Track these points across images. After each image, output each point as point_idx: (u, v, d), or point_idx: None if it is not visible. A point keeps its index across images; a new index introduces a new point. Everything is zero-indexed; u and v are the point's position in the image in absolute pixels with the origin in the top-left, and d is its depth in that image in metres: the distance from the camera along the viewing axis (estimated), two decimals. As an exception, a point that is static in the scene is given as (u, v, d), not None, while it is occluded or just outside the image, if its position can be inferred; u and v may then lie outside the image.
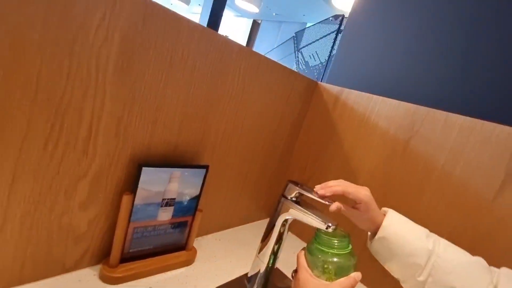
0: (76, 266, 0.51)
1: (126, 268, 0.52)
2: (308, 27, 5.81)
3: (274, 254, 0.60)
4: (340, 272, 0.47)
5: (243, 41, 10.93)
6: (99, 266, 0.52)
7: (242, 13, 10.60)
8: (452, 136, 0.63)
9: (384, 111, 0.74)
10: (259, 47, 10.62)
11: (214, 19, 5.35)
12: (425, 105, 0.68)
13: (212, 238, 0.74)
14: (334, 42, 4.78)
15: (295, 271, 0.51)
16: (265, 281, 0.61)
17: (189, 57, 0.53)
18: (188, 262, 0.62)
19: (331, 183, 0.51)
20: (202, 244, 0.69)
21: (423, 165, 0.66)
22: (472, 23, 0.76)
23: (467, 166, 0.61)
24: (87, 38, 0.40)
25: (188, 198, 0.59)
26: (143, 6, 0.44)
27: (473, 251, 0.49)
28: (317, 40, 5.22)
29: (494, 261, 0.47)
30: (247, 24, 11.43)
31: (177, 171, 0.54)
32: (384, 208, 0.53)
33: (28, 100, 0.38)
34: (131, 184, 0.51)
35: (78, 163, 0.45)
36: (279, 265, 0.63)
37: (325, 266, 0.48)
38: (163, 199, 0.55)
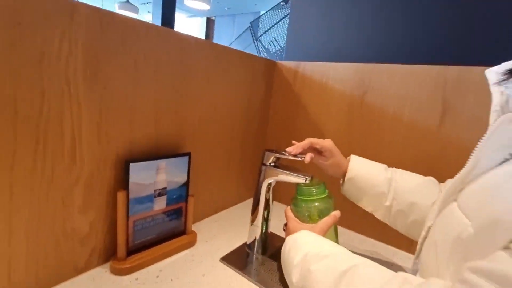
0: (87, 267, 0.54)
1: (134, 259, 0.57)
2: (262, 15, 5.86)
3: (266, 220, 0.67)
4: (322, 213, 0.54)
5: (201, 41, 10.77)
6: (108, 264, 0.56)
7: (194, 12, 10.43)
8: (396, 83, 0.73)
9: (338, 75, 0.82)
10: (219, 43, 10.47)
11: (167, 23, 5.25)
12: (370, 62, 0.77)
13: (208, 221, 0.80)
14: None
15: (285, 224, 0.58)
16: (263, 244, 0.68)
17: (151, 56, 0.57)
18: (191, 244, 0.67)
19: (299, 143, 0.58)
20: (200, 228, 0.74)
21: (378, 113, 0.75)
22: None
23: (412, 106, 0.70)
24: (52, 55, 0.43)
25: (178, 185, 0.64)
26: (98, 16, 0.48)
27: (430, 172, 0.59)
28: (273, 26, 5.29)
29: (446, 177, 0.56)
30: (201, 23, 11.25)
31: (162, 162, 0.59)
32: (349, 157, 0.61)
33: (10, 121, 0.41)
34: (123, 181, 0.55)
35: (69, 171, 0.49)
36: (272, 230, 0.70)
37: (309, 212, 0.55)
38: (155, 190, 0.59)
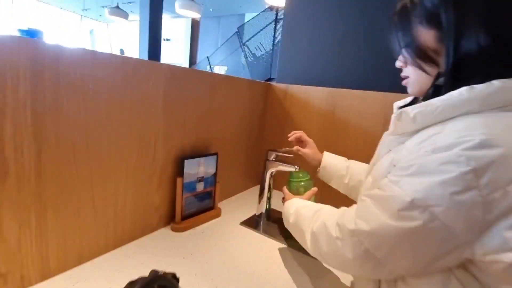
0: (157, 227, 0.84)
1: (186, 222, 0.87)
2: (248, 21, 6.16)
3: (269, 198, 0.99)
4: (306, 189, 0.87)
5: (186, 43, 10.87)
6: (169, 226, 0.86)
7: (178, 14, 10.55)
8: (356, 103, 1.06)
9: (316, 95, 1.15)
10: (205, 45, 10.67)
11: (154, 26, 5.41)
12: (339, 87, 1.10)
13: (226, 202, 1.10)
14: (275, 31, 5.23)
15: (283, 198, 0.90)
16: (267, 215, 1.00)
17: (194, 90, 0.87)
18: (218, 215, 0.98)
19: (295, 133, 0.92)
20: (223, 206, 1.05)
21: (344, 124, 1.09)
22: (369, 29, 1.19)
23: (365, 119, 1.04)
24: (149, 95, 0.73)
25: (210, 175, 0.94)
26: (170, 70, 0.77)
27: (371, 163, 0.92)
28: (259, 32, 5.62)
29: (381, 165, 0.90)
30: (186, 23, 11.30)
31: (202, 159, 0.89)
32: (322, 153, 0.94)
33: (135, 141, 0.70)
34: (180, 171, 0.85)
35: (151, 165, 0.78)
36: (272, 207, 1.02)
37: (297, 189, 0.88)
38: (197, 178, 0.89)
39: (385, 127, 1.02)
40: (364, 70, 1.16)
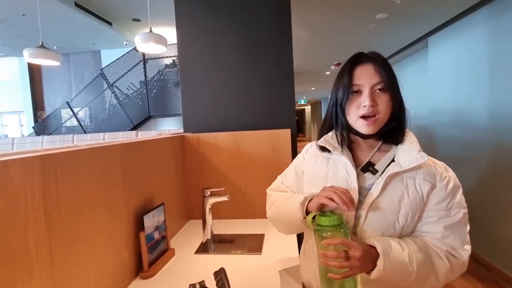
0: (129, 282, 0.96)
1: (151, 268, 1.02)
2: (113, 62, 5.92)
3: (211, 225, 1.26)
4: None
5: (24, 85, 9.04)
6: (137, 277, 0.99)
7: (7, 52, 8.69)
8: (253, 140, 1.49)
9: (222, 138, 1.52)
10: (53, 86, 9.29)
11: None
12: (238, 130, 1.51)
13: (173, 241, 1.28)
14: (145, 71, 5.30)
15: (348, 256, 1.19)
16: (213, 238, 1.26)
17: (138, 162, 1.06)
18: (173, 254, 1.16)
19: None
20: (172, 245, 1.23)
21: (248, 157, 1.50)
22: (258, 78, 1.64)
23: (256, 150, 1.49)
24: (111, 174, 0.88)
25: (161, 223, 1.13)
26: (122, 148, 0.95)
27: (271, 176, 1.36)
28: (128, 71, 5.53)
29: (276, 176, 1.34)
30: (19, 63, 9.40)
31: (154, 211, 1.08)
32: None
33: (111, 214, 0.83)
34: (141, 226, 1.00)
35: (121, 228, 0.92)
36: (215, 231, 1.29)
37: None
38: (154, 227, 1.07)
39: (274, 154, 1.50)
40: (254, 115, 1.63)
